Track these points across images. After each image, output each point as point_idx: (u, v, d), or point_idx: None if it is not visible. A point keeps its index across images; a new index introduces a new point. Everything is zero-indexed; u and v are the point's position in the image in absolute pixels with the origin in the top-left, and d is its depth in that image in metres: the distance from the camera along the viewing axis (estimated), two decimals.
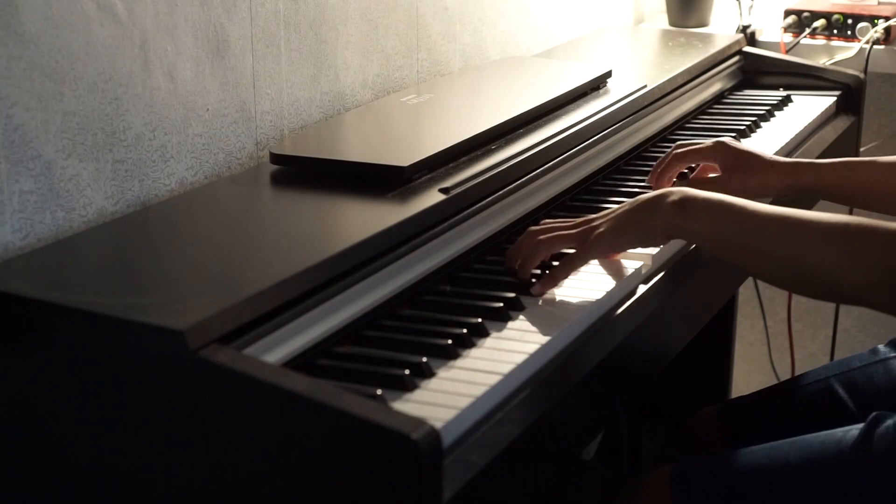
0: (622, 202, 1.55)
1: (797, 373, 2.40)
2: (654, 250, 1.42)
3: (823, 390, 1.61)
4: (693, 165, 1.62)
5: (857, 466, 1.32)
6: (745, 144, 1.62)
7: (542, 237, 1.33)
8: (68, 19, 1.28)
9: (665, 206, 1.32)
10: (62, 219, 1.29)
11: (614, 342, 1.26)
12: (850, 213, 2.39)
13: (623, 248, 1.34)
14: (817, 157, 1.90)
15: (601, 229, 1.33)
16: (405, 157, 1.41)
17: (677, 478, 1.41)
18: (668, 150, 1.61)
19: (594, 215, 1.36)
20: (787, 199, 1.61)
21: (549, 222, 1.37)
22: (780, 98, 2.08)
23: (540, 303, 1.28)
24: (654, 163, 1.73)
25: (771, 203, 1.46)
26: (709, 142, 1.59)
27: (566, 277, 1.31)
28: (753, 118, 1.96)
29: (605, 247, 1.33)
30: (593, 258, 1.34)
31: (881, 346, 1.65)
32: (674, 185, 1.61)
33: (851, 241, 1.24)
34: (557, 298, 1.29)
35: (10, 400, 1.10)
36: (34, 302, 1.07)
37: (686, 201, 1.31)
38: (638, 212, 1.33)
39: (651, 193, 1.35)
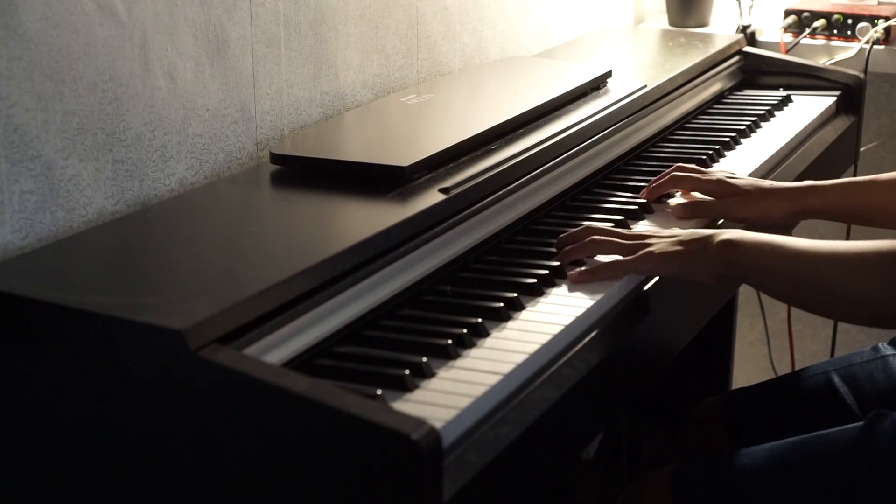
0: (622, 202, 1.56)
1: None
2: None
3: (823, 384, 1.61)
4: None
5: (857, 466, 1.32)
6: (743, 176, 1.60)
7: (596, 237, 1.37)
8: (68, 19, 1.28)
9: (716, 245, 1.34)
10: (62, 219, 1.29)
11: (614, 342, 1.26)
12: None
13: (667, 275, 1.36)
14: (817, 158, 1.91)
15: (653, 249, 1.35)
16: (405, 157, 1.41)
17: (678, 479, 1.41)
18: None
19: (650, 231, 1.39)
20: (789, 223, 1.62)
21: (606, 227, 1.40)
22: (780, 98, 2.08)
23: (540, 303, 1.28)
24: (653, 163, 1.74)
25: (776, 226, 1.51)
26: (711, 175, 1.57)
27: (604, 280, 1.33)
28: (753, 118, 1.96)
29: (651, 267, 1.35)
30: (638, 273, 1.35)
31: (882, 344, 1.65)
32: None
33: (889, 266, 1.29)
34: (558, 298, 1.29)
35: (10, 400, 1.10)
36: (34, 302, 1.07)
37: (737, 242, 1.33)
38: (690, 245, 1.35)
39: (704, 231, 1.37)
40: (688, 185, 1.58)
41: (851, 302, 1.32)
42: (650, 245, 1.36)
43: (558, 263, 1.35)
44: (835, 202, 1.56)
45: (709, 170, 1.61)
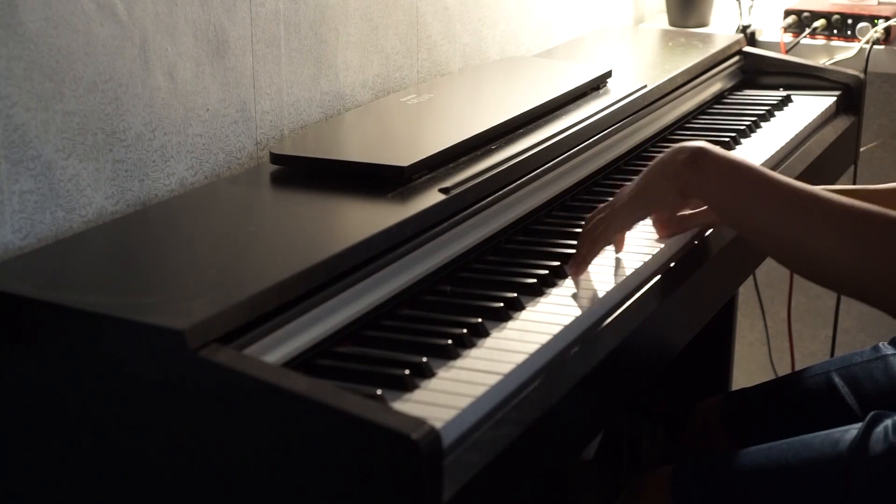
0: None
1: None
2: (655, 249, 1.42)
3: (824, 384, 1.61)
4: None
5: (855, 467, 1.32)
6: None
7: (594, 233, 1.33)
8: (68, 19, 1.28)
9: (678, 164, 1.28)
10: (62, 219, 1.30)
11: (614, 343, 1.26)
12: None
13: (643, 215, 1.32)
14: (817, 158, 1.91)
15: (621, 202, 1.32)
16: (405, 157, 1.41)
17: (677, 479, 1.41)
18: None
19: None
20: None
21: (595, 215, 1.36)
22: (780, 98, 2.08)
23: (540, 303, 1.28)
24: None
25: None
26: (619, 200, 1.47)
27: (593, 254, 1.32)
28: (753, 118, 1.96)
29: (624, 218, 1.31)
30: (617, 231, 1.32)
31: (883, 344, 1.65)
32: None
33: (868, 230, 1.18)
34: (558, 298, 1.29)
35: (10, 400, 1.10)
36: (34, 302, 1.07)
37: (698, 156, 1.26)
38: (652, 173, 1.30)
39: (665, 152, 1.31)
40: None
41: (818, 259, 1.20)
42: (619, 199, 1.33)
43: (558, 263, 1.35)
44: None
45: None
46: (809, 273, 1.26)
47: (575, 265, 1.33)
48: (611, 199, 1.38)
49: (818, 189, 1.25)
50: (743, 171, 1.26)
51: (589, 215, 1.38)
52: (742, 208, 1.25)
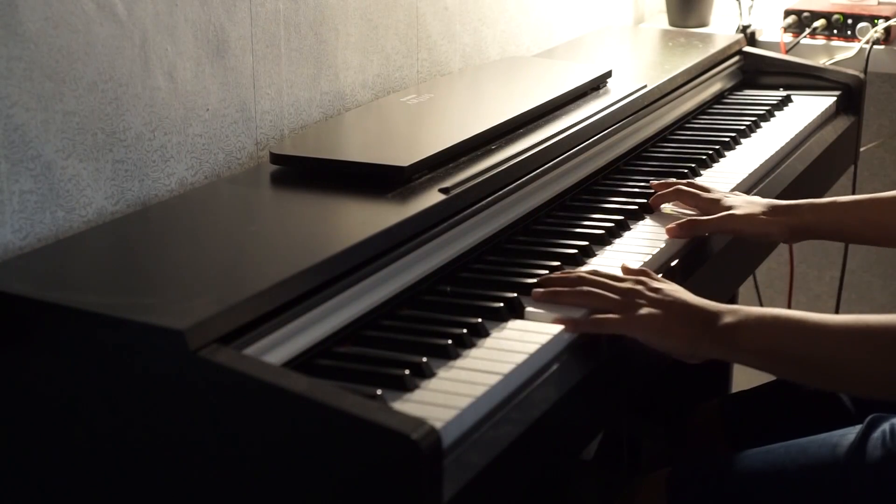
0: (622, 202, 1.56)
1: None
2: (655, 249, 1.42)
3: None
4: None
5: (853, 471, 1.32)
6: (741, 194, 1.57)
7: (587, 288, 1.27)
8: (68, 19, 1.28)
9: (712, 332, 1.24)
10: (62, 219, 1.29)
11: (615, 342, 1.26)
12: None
13: (657, 349, 1.26)
14: (817, 158, 1.91)
15: (644, 313, 1.24)
16: (405, 157, 1.40)
17: (673, 482, 1.41)
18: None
19: (645, 285, 1.28)
20: (788, 241, 1.59)
21: (599, 273, 1.30)
22: (780, 98, 2.08)
23: (540, 303, 1.27)
24: (654, 163, 1.74)
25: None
26: (710, 194, 1.53)
27: (591, 333, 1.25)
28: (753, 118, 1.96)
29: (641, 336, 1.25)
30: (627, 335, 1.25)
31: None
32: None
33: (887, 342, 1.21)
34: None
35: (10, 400, 1.10)
36: (34, 302, 1.07)
37: (738, 325, 1.24)
38: (688, 323, 1.25)
39: (699, 308, 1.26)
40: (687, 198, 1.55)
41: (863, 378, 1.24)
42: (642, 307, 1.25)
43: (558, 263, 1.35)
44: (834, 219, 1.53)
45: (712, 189, 1.56)
46: (879, 392, 1.30)
47: (568, 329, 1.23)
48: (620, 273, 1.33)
49: (862, 316, 1.25)
50: (786, 323, 1.25)
51: (596, 276, 1.30)
52: (796, 357, 1.26)
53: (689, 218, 1.49)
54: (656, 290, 1.27)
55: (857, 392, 1.40)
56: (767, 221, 1.51)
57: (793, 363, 1.26)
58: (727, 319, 1.24)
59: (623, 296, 1.26)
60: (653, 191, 1.58)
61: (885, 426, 1.33)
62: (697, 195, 1.55)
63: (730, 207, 1.51)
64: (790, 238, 1.54)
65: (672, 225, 1.47)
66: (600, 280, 1.29)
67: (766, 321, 1.24)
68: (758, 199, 1.55)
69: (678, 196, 1.55)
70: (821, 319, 1.24)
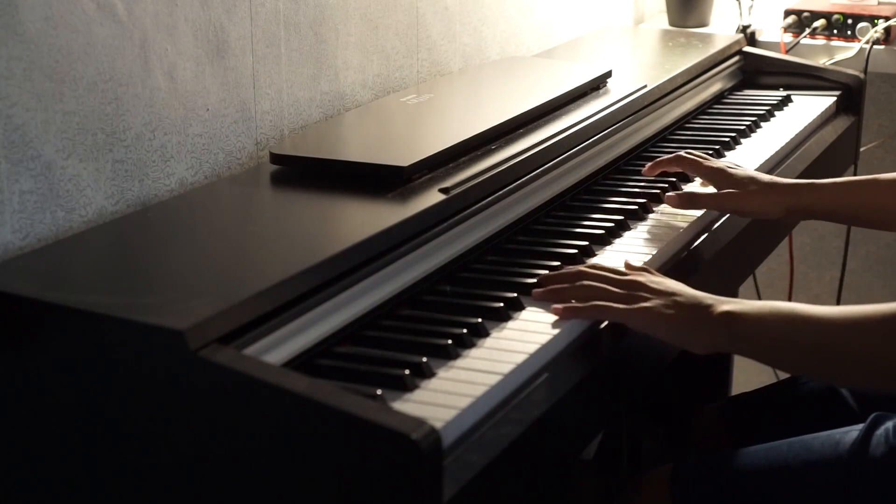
0: (622, 202, 1.56)
1: None
2: (655, 249, 1.42)
3: (825, 386, 1.61)
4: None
5: (856, 470, 1.32)
6: (744, 168, 1.58)
7: (588, 281, 1.28)
8: (68, 19, 1.28)
9: (715, 317, 1.24)
10: (62, 219, 1.29)
11: (615, 342, 1.26)
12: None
13: (656, 336, 1.26)
14: (817, 158, 1.91)
15: (647, 305, 1.25)
16: (405, 157, 1.41)
17: (676, 479, 1.41)
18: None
19: (646, 280, 1.28)
20: (786, 221, 1.60)
21: (600, 266, 1.31)
22: (780, 98, 2.08)
23: (540, 303, 1.28)
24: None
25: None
26: (713, 163, 1.57)
27: (589, 318, 1.25)
28: (753, 118, 1.96)
29: (642, 324, 1.25)
30: (626, 325, 1.26)
31: None
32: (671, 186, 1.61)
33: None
34: None
35: (9, 400, 1.10)
36: (34, 302, 1.07)
37: (738, 313, 1.24)
38: (687, 312, 1.25)
39: (703, 297, 1.26)
40: (690, 168, 1.58)
41: (870, 368, 1.23)
42: (645, 299, 1.25)
43: (558, 263, 1.35)
44: (833, 200, 1.54)
45: (712, 159, 1.60)
46: (872, 383, 1.31)
47: (565, 314, 1.24)
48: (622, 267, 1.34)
49: (854, 307, 1.24)
50: (780, 313, 1.24)
51: (596, 269, 1.31)
52: (792, 346, 1.25)
53: (689, 191, 1.52)
54: (658, 283, 1.28)
55: (863, 383, 1.37)
56: (766, 201, 1.52)
57: (798, 354, 1.25)
58: (729, 308, 1.24)
59: (625, 288, 1.27)
60: (653, 191, 1.58)
61: (889, 424, 1.33)
62: (698, 162, 1.57)
63: (731, 177, 1.54)
64: (787, 216, 1.55)
65: (672, 193, 1.53)
66: (601, 273, 1.30)
67: (769, 311, 1.25)
68: (759, 174, 1.56)
69: (679, 163, 1.58)
70: (824, 309, 1.24)
